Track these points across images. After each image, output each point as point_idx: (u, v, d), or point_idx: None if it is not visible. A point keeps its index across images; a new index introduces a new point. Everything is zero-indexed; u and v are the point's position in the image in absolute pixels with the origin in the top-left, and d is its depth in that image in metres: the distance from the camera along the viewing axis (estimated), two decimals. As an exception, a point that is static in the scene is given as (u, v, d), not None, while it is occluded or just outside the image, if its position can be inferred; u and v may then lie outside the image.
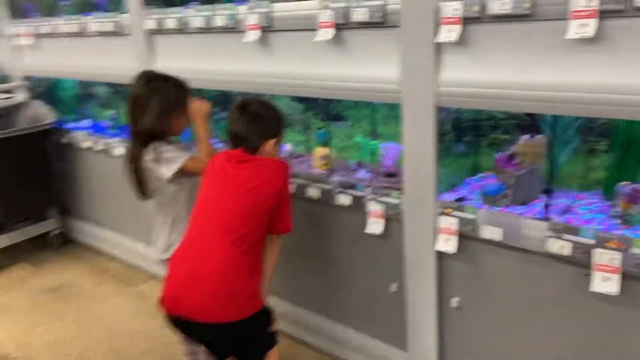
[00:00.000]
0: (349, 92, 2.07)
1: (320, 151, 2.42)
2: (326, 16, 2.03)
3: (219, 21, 2.41)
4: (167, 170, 2.03)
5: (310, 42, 2.13)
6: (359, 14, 1.93)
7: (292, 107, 2.78)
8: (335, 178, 2.29)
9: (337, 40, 2.05)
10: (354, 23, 1.96)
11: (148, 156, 2.04)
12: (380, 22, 1.89)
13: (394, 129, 2.42)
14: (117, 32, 3.01)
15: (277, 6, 2.22)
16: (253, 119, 1.88)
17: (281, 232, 1.94)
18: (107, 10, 3.20)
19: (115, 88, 3.49)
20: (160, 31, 2.76)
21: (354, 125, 2.57)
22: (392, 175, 2.29)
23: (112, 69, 3.14)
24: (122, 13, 3.00)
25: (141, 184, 2.09)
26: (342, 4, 1.98)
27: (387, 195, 2.08)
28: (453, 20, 1.70)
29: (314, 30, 2.10)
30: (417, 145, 1.92)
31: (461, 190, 2.05)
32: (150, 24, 2.77)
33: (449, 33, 1.71)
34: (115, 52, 3.12)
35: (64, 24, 3.34)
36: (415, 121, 1.90)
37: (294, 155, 2.73)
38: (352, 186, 2.19)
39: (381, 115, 2.47)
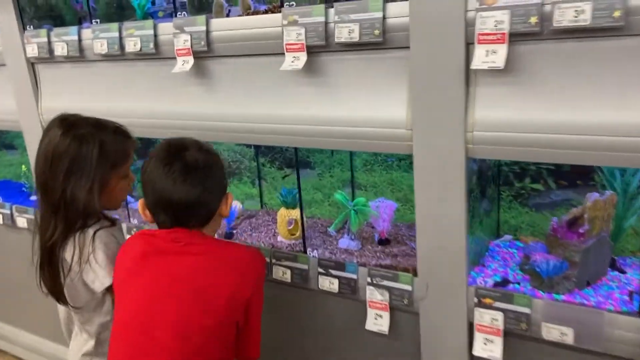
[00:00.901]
0: (332, 139, 1.48)
1: (286, 214, 1.80)
2: (293, 35, 1.43)
3: (132, 45, 1.73)
4: (102, 278, 1.36)
5: (273, 72, 1.52)
6: (344, 32, 1.35)
7: (238, 151, 2.14)
8: (314, 254, 1.68)
9: (313, 68, 1.46)
10: (338, 45, 1.38)
11: (70, 251, 1.35)
12: (378, 42, 1.32)
13: (377, 178, 1.86)
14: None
15: (217, 23, 1.58)
16: (203, 174, 1.28)
17: (251, 358, 1.32)
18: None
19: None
20: (46, 59, 2.01)
21: (323, 174, 1.98)
22: (387, 243, 1.72)
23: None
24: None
25: (55, 280, 1.38)
26: (317, 18, 1.39)
27: (392, 277, 1.50)
28: (495, 37, 1.17)
29: (276, 55, 1.49)
30: (436, 208, 1.36)
31: (487, 261, 1.53)
32: (32, 50, 2.01)
33: (490, 56, 1.18)
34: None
35: None
36: (434, 177, 1.34)
37: (245, 215, 2.08)
38: (339, 265, 1.59)
39: (360, 160, 1.91)
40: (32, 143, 2.19)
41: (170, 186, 1.24)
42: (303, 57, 1.43)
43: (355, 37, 1.33)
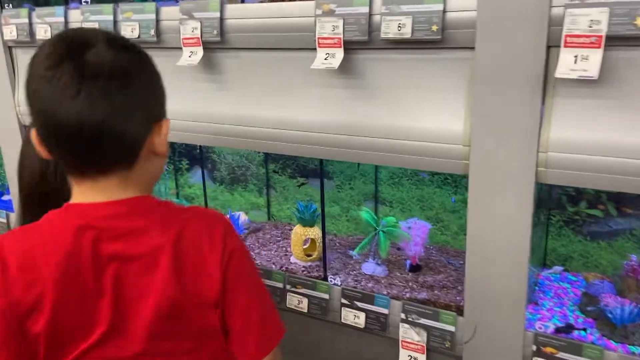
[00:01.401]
0: (368, 152, 1.25)
1: (302, 232, 1.57)
2: (329, 28, 1.20)
3: (129, 30, 1.47)
4: None
5: (299, 70, 1.29)
6: (392, 27, 1.12)
7: (245, 155, 1.91)
8: (335, 281, 1.46)
9: (349, 68, 1.23)
10: (383, 41, 1.15)
11: None
12: (435, 39, 1.10)
13: (405, 194, 1.65)
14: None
15: (234, 9, 1.34)
16: (111, 84, 0.80)
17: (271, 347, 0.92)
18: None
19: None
20: (26, 43, 1.74)
21: (342, 186, 1.76)
22: (418, 269, 1.51)
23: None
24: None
25: None
26: (359, 9, 1.16)
27: (431, 315, 1.29)
28: (589, 40, 0.95)
29: (305, 50, 1.26)
30: (494, 238, 1.15)
31: (539, 297, 1.33)
32: (11, 32, 1.73)
33: (580, 63, 0.96)
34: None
35: None
36: (494, 203, 1.13)
37: (251, 228, 1.85)
38: (367, 297, 1.37)
39: (387, 172, 1.69)
40: (8, 139, 1.92)
41: (56, 104, 0.78)
42: (339, 54, 1.20)
43: (407, 32, 1.11)
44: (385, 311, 1.35)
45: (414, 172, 1.63)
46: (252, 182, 1.92)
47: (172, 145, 1.95)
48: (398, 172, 1.65)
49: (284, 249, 1.71)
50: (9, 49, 1.80)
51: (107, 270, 0.81)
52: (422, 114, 1.17)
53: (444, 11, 1.07)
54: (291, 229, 1.87)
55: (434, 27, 1.08)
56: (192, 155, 2.00)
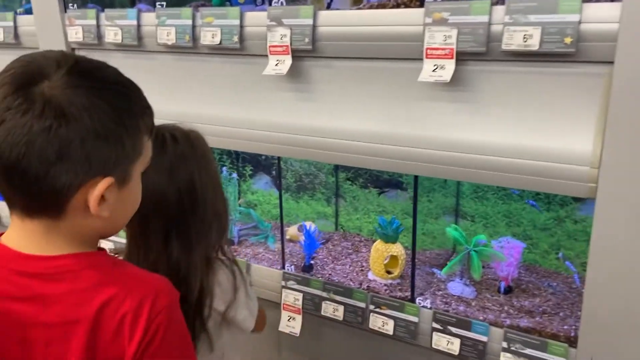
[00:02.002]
0: (477, 171, 1.17)
1: (383, 249, 1.50)
2: (439, 38, 1.11)
3: (210, 36, 1.40)
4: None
5: (401, 81, 1.21)
6: (517, 38, 1.03)
7: (314, 163, 1.83)
8: (425, 303, 1.38)
9: (460, 80, 1.14)
10: (503, 53, 1.06)
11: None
12: (567, 52, 1.00)
13: (490, 209, 1.56)
14: (12, 44, 1.86)
15: (328, 16, 1.26)
16: (56, 121, 0.67)
17: None
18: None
19: None
20: (93, 46, 1.68)
21: (419, 198, 1.67)
22: (509, 291, 1.43)
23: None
24: (19, 14, 1.86)
25: None
26: (477, 18, 1.07)
27: (539, 345, 1.21)
28: None
29: (407, 60, 1.17)
30: (622, 266, 1.06)
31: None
32: (76, 34, 1.67)
33: None
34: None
35: None
36: (626, 230, 1.04)
37: (321, 239, 1.77)
38: (463, 323, 1.30)
39: (470, 184, 1.60)
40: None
41: None
42: (450, 65, 1.11)
43: (534, 44, 1.02)
44: (484, 339, 1.26)
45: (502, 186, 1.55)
46: (320, 190, 1.85)
47: (236, 151, 1.88)
48: (483, 185, 1.56)
49: (359, 263, 1.64)
50: (72, 51, 1.74)
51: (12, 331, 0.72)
52: (543, 131, 1.09)
53: (580, 22, 0.98)
54: (361, 241, 1.80)
55: (568, 40, 0.99)
56: (257, 162, 1.93)
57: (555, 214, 1.49)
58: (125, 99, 0.74)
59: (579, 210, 1.47)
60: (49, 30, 1.72)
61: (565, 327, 1.25)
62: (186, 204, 1.00)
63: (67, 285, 0.73)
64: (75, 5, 1.68)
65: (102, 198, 0.72)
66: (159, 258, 1.00)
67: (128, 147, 0.73)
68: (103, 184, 0.71)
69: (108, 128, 0.70)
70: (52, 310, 0.72)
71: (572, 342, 1.19)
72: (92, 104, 0.69)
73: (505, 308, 1.36)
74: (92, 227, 0.76)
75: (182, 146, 1.02)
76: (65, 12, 1.69)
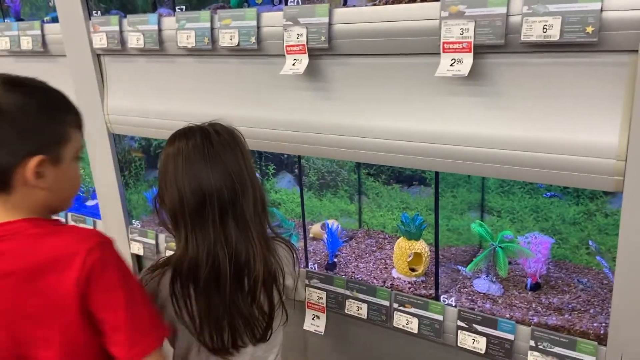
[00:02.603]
0: (498, 166, 1.14)
1: (406, 246, 1.48)
2: (456, 32, 1.09)
3: (228, 38, 1.41)
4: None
5: (418, 77, 1.19)
6: (537, 29, 1.00)
7: (336, 160, 1.82)
8: (450, 301, 1.36)
9: (478, 74, 1.12)
10: (522, 45, 1.03)
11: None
12: (589, 42, 0.97)
13: (516, 203, 1.52)
14: (40, 52, 1.92)
15: (344, 13, 1.25)
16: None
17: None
18: (19, 18, 2.09)
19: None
20: (116, 52, 1.71)
21: (443, 193, 1.65)
22: (538, 288, 1.39)
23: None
24: (46, 22, 1.92)
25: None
26: (494, 9, 1.04)
27: (567, 343, 1.17)
28: None
29: (424, 55, 1.16)
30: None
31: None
32: (100, 40, 1.71)
33: None
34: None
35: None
36: (653, 229, 1.00)
37: (345, 237, 1.77)
38: (489, 321, 1.27)
39: (495, 180, 1.57)
40: (95, 144, 1.91)
41: None
42: (468, 59, 1.09)
43: (554, 34, 0.98)
44: (510, 337, 1.24)
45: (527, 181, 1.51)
46: (343, 188, 1.84)
47: (259, 151, 1.89)
48: (509, 180, 1.53)
49: (383, 261, 1.62)
50: (97, 56, 1.78)
51: None
52: (566, 124, 1.05)
53: (602, 10, 0.94)
54: (385, 238, 1.79)
55: (589, 29, 0.95)
56: (279, 160, 1.93)
57: (584, 207, 1.44)
58: (49, 99, 0.96)
59: (609, 203, 1.42)
60: (75, 37, 1.77)
61: (595, 324, 1.21)
62: (237, 187, 1.07)
63: (16, 242, 0.92)
64: (99, 12, 1.72)
65: (38, 173, 0.92)
66: (216, 241, 1.06)
67: (53, 134, 0.94)
68: (34, 161, 0.91)
69: (35, 119, 0.92)
70: (6, 263, 0.91)
71: (601, 339, 1.15)
72: (23, 102, 0.91)
73: (533, 305, 1.33)
74: (37, 199, 0.95)
75: (225, 137, 1.10)
76: (90, 19, 1.73)
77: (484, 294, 1.40)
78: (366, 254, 1.68)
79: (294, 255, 1.21)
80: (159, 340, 0.98)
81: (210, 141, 1.07)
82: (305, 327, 1.56)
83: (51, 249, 0.92)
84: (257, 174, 1.80)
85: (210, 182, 1.05)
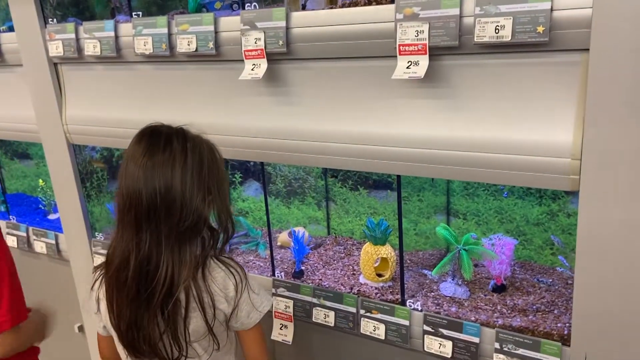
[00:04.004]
0: (455, 168, 1.14)
1: (373, 251, 1.47)
2: (411, 34, 1.08)
3: (186, 44, 1.38)
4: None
5: (375, 80, 1.18)
6: (489, 30, 1.00)
7: (302, 167, 1.81)
8: (416, 305, 1.35)
9: (434, 75, 1.11)
10: (476, 46, 1.03)
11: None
12: (540, 42, 0.97)
13: (481, 206, 1.53)
14: (-1, 62, 1.87)
15: (301, 17, 1.23)
16: None
17: None
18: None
19: None
20: (73, 60, 1.67)
21: (409, 198, 1.64)
22: (503, 290, 1.39)
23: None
24: (2, 32, 1.87)
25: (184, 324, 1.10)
26: (447, 11, 1.04)
27: (531, 345, 1.17)
28: None
29: (380, 58, 1.15)
30: (611, 261, 1.02)
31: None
32: (56, 49, 1.66)
33: None
34: (-3, 92, 1.97)
35: None
36: (612, 220, 1.00)
37: (312, 245, 1.75)
38: (454, 325, 1.26)
39: (459, 183, 1.57)
40: (54, 155, 1.86)
41: None
42: (424, 61, 1.08)
43: (506, 35, 0.99)
44: (476, 340, 1.23)
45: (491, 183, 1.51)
46: (310, 194, 1.83)
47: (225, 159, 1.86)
48: (473, 182, 1.53)
49: (350, 267, 1.61)
50: (54, 65, 1.73)
51: None
52: (521, 124, 1.05)
53: (552, 10, 0.95)
54: (353, 244, 1.77)
55: (540, 28, 0.96)
56: (246, 168, 1.91)
57: (547, 207, 1.45)
58: None
59: (571, 203, 1.43)
60: (31, 46, 1.72)
61: (559, 325, 1.21)
62: (158, 198, 1.03)
63: None
64: (55, 20, 1.67)
65: None
66: (128, 246, 1.05)
67: None
68: None
69: None
70: None
71: (565, 340, 1.15)
72: None
73: (498, 307, 1.32)
74: None
75: (184, 145, 1.07)
76: (45, 27, 1.68)
77: (450, 297, 1.39)
78: (334, 260, 1.66)
79: (237, 281, 1.13)
80: (9, 323, 1.16)
81: (160, 147, 1.05)
82: (272, 337, 1.53)
83: None
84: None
85: (136, 186, 1.03)
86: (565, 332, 1.17)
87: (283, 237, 1.76)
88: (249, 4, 1.29)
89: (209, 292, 1.09)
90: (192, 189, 1.06)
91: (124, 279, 1.05)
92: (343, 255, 1.70)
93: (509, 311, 1.30)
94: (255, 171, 1.91)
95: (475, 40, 1.02)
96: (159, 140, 1.07)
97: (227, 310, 1.13)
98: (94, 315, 1.20)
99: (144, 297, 1.05)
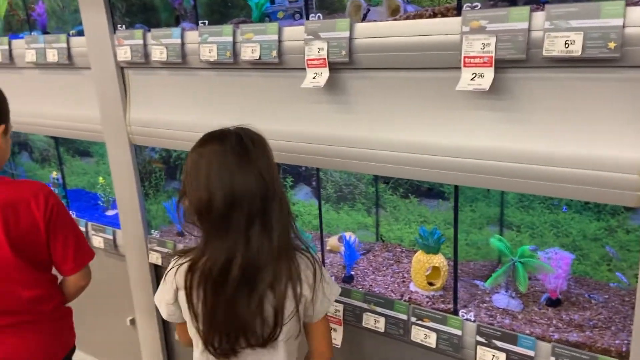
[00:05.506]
0: (521, 181, 1.14)
1: (425, 260, 1.48)
2: (477, 46, 1.09)
3: (249, 52, 1.43)
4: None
5: (438, 91, 1.20)
6: (558, 44, 1.00)
7: (353, 173, 1.83)
8: (469, 315, 1.35)
9: (500, 88, 1.12)
10: (543, 59, 1.04)
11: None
12: (611, 58, 0.97)
13: (536, 218, 1.51)
14: (66, 65, 1.97)
15: (365, 28, 1.26)
16: None
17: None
18: (45, 31, 2.14)
19: (58, 139, 2.42)
20: (140, 65, 1.75)
21: (461, 207, 1.64)
22: (558, 304, 1.38)
23: (61, 119, 2.10)
24: (72, 35, 1.97)
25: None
26: (514, 25, 1.05)
27: (585, 359, 1.16)
28: None
29: (445, 69, 1.17)
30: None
31: None
32: (125, 54, 1.75)
33: None
34: (63, 94, 2.07)
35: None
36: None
37: (362, 250, 1.77)
38: (508, 337, 1.26)
39: (514, 195, 1.56)
40: (116, 154, 1.94)
41: None
42: (489, 73, 1.09)
43: (576, 50, 0.99)
44: (531, 353, 1.23)
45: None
46: (360, 200, 1.85)
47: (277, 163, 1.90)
48: (528, 194, 1.52)
49: (400, 274, 1.62)
50: (121, 69, 1.82)
51: None
52: (588, 138, 1.05)
53: (624, 26, 0.95)
54: (402, 252, 1.78)
55: (611, 44, 0.96)
56: (297, 172, 1.95)
57: (605, 223, 1.43)
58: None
59: (631, 219, 1.41)
60: (100, 50, 1.81)
61: (617, 341, 1.19)
62: (269, 193, 1.09)
63: None
64: (123, 26, 1.76)
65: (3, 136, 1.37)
66: (237, 245, 1.08)
67: (6, 111, 1.40)
68: (0, 128, 1.36)
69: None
70: None
71: (624, 357, 1.13)
72: None
73: (554, 322, 1.31)
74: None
75: (257, 142, 1.13)
76: (115, 32, 1.77)
77: (503, 309, 1.38)
78: (383, 267, 1.68)
79: (315, 268, 1.19)
80: (88, 259, 1.47)
81: (244, 146, 1.10)
82: (321, 340, 1.56)
83: (20, 189, 1.35)
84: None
85: (243, 188, 1.06)
86: (624, 349, 1.16)
87: (333, 241, 1.79)
88: (313, 15, 1.33)
89: (300, 278, 1.15)
90: (279, 177, 1.15)
91: (225, 275, 1.09)
92: (392, 262, 1.71)
93: (564, 326, 1.29)
94: (306, 175, 1.95)
95: (543, 54, 1.02)
96: (237, 138, 1.12)
97: (308, 296, 1.18)
98: (166, 305, 1.23)
99: (248, 288, 1.10)
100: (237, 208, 1.06)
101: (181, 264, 1.17)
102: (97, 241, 2.21)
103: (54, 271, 1.48)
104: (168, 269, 1.21)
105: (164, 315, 1.26)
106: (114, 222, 2.18)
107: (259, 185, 1.08)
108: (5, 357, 1.40)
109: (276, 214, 1.10)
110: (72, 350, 1.58)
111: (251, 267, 1.09)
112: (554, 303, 1.37)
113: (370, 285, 1.57)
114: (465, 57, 1.11)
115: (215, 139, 1.12)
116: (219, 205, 1.06)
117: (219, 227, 1.08)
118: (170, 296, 1.21)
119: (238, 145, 1.09)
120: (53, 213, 1.36)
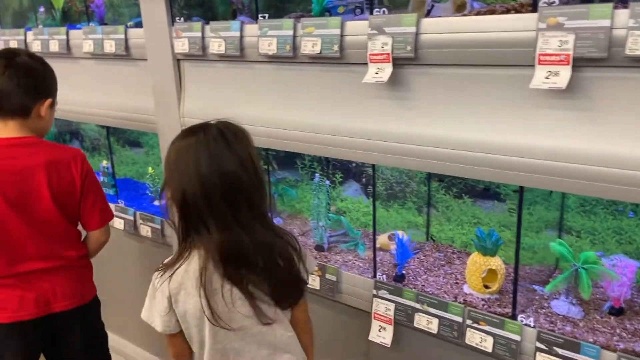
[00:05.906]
0: (602, 185, 1.10)
1: (481, 262, 1.45)
2: (554, 43, 1.06)
3: (310, 46, 1.43)
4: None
5: (509, 89, 1.17)
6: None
7: (406, 172, 1.81)
8: (528, 321, 1.31)
9: (576, 87, 1.08)
10: (626, 58, 1.00)
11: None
12: (702, 58, 0.92)
13: (598, 224, 1.46)
14: (122, 56, 2.00)
15: (432, 23, 1.24)
16: (25, 72, 1.53)
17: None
18: (102, 22, 2.19)
19: (109, 129, 2.47)
20: (196, 57, 1.77)
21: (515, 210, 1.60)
22: (620, 313, 1.33)
23: (114, 109, 2.14)
24: (129, 27, 2.00)
25: None
26: (597, 22, 1.01)
27: (656, 372, 1.11)
28: None
29: (516, 67, 1.13)
30: None
31: None
32: (182, 46, 1.76)
33: None
34: (118, 84, 2.11)
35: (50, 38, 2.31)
36: None
37: (414, 248, 1.74)
38: (571, 344, 1.22)
39: (576, 197, 1.51)
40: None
41: None
42: (565, 72, 1.06)
43: (665, 49, 0.94)
44: (594, 362, 1.19)
45: (612, 200, 1.45)
46: (411, 199, 1.82)
47: (327, 158, 1.90)
48: (591, 198, 1.47)
49: (453, 275, 1.59)
50: (177, 61, 1.84)
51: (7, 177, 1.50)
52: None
53: None
54: (454, 252, 1.75)
55: None
56: (347, 168, 1.93)
57: (673, 232, 1.37)
58: (49, 70, 1.61)
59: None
60: (157, 42, 1.84)
61: (690, 355, 1.14)
62: (254, 179, 1.13)
63: (30, 148, 1.53)
64: (182, 19, 1.78)
65: (47, 110, 1.57)
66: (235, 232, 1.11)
67: (55, 87, 1.61)
68: (48, 102, 1.57)
69: (50, 77, 1.61)
70: (23, 161, 1.51)
71: (699, 373, 1.09)
72: (43, 67, 1.59)
73: (617, 331, 1.26)
74: (40, 126, 1.59)
75: (238, 134, 1.15)
76: (173, 25, 1.79)
77: (563, 316, 1.34)
78: (435, 267, 1.65)
79: (298, 248, 1.22)
80: (110, 218, 1.71)
81: (225, 136, 1.12)
82: (370, 338, 1.55)
83: (62, 151, 1.58)
84: (327, 182, 1.83)
85: (232, 168, 1.09)
86: (698, 365, 1.11)
87: (383, 239, 1.77)
88: (377, 10, 1.31)
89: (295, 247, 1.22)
90: (256, 167, 1.16)
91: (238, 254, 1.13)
92: (443, 262, 1.68)
93: (629, 335, 1.24)
94: (355, 172, 1.93)
95: (626, 53, 0.98)
96: (218, 129, 1.14)
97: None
98: (160, 317, 1.19)
99: (264, 273, 1.15)
100: (235, 189, 1.09)
101: (171, 275, 1.15)
102: (144, 230, 2.25)
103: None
104: (156, 286, 1.17)
105: (159, 329, 1.21)
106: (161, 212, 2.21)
107: (245, 171, 1.11)
108: (41, 294, 1.58)
109: (264, 203, 1.15)
110: (98, 303, 1.77)
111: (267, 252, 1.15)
112: (616, 311, 1.32)
113: (423, 285, 1.55)
114: (540, 55, 1.08)
115: (196, 131, 1.13)
116: (216, 186, 1.08)
117: (224, 213, 1.10)
118: (163, 307, 1.17)
119: (219, 136, 1.11)
120: (88, 175, 1.59)
